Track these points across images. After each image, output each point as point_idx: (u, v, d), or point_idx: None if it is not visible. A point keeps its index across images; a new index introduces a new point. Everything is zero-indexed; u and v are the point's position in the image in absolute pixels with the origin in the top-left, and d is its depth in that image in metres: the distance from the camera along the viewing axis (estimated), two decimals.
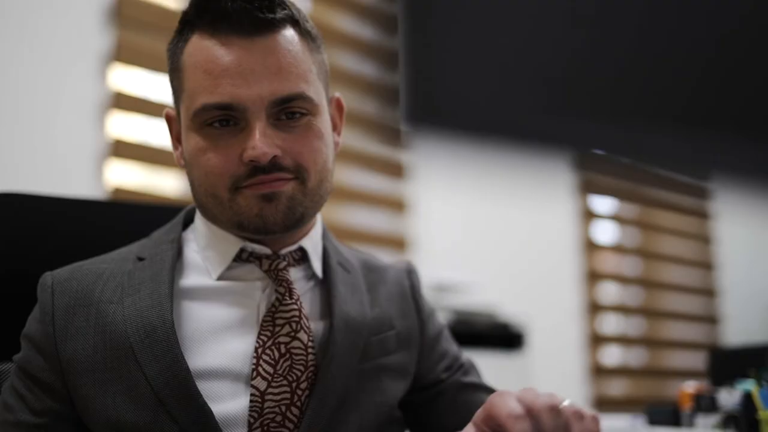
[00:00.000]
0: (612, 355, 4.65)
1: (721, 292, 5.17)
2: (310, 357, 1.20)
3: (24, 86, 2.46)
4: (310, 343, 1.21)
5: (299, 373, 1.19)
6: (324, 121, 1.24)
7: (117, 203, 1.49)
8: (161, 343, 1.15)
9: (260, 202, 1.18)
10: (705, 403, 2.06)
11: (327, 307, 1.27)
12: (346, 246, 1.44)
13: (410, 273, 1.42)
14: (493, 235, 3.84)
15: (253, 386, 1.16)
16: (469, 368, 1.41)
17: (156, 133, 2.85)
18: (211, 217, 1.25)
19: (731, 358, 2.62)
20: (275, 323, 1.21)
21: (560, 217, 4.22)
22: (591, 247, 4.38)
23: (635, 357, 4.87)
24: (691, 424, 2.05)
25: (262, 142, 1.16)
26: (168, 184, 2.93)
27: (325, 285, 1.29)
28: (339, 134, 1.31)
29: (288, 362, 1.19)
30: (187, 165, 1.23)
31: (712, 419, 2.02)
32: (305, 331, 1.21)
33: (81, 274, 1.26)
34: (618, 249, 4.83)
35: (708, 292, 5.15)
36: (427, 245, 3.55)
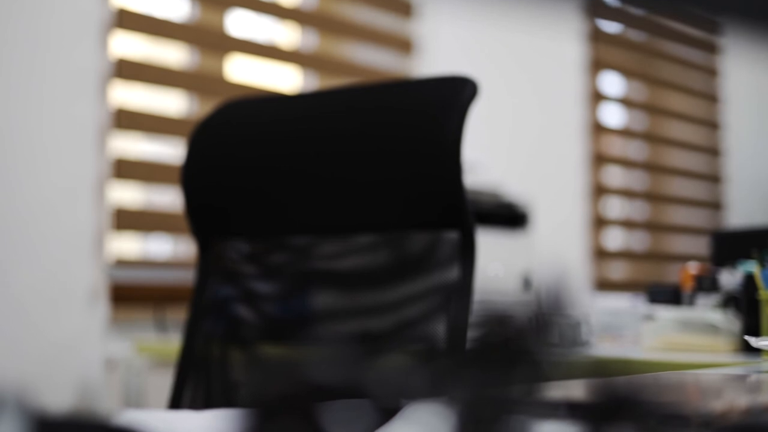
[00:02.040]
0: (615, 239, 4.68)
1: (727, 179, 5.17)
2: None
3: None
4: None
5: None
6: None
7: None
8: None
9: None
10: (706, 284, 2.07)
11: None
12: None
13: None
14: (500, 114, 3.80)
15: None
16: None
17: (160, 5, 2.81)
18: None
19: (734, 240, 2.63)
20: None
21: (568, 98, 4.19)
22: (598, 129, 4.36)
23: (638, 241, 4.90)
24: (691, 304, 2.07)
25: None
26: (172, 56, 2.91)
27: None
28: None
29: None
30: None
31: (713, 299, 2.03)
32: None
33: None
34: (625, 132, 4.81)
35: (713, 178, 5.15)
36: None
